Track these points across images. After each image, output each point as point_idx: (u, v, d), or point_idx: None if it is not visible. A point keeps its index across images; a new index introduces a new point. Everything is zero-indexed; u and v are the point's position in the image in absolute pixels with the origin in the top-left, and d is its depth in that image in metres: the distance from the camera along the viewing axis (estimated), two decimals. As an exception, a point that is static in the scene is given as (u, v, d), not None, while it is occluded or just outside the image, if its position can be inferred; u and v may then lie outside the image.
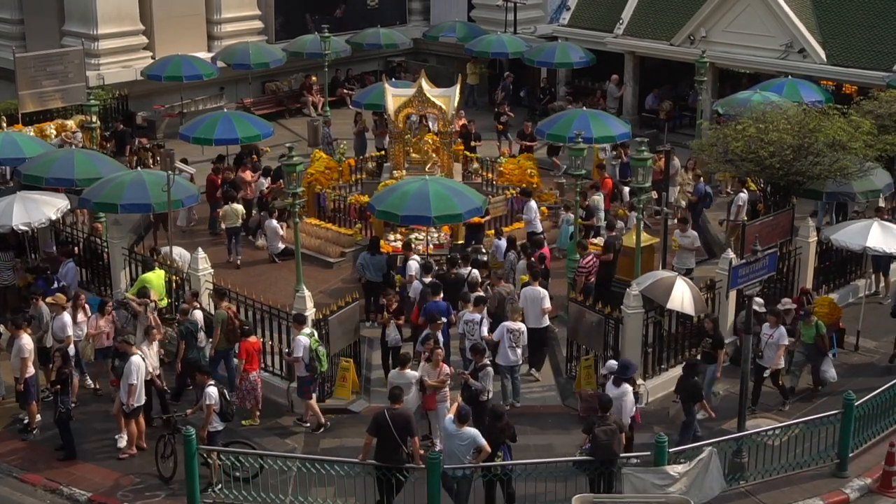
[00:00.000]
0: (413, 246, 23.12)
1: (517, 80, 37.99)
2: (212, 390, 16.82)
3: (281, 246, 25.20)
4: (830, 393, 19.56)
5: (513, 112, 34.26)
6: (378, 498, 15.91)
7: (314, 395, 18.62)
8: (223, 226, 26.09)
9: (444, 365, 17.85)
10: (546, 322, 20.30)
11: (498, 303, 20.25)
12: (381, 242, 23.33)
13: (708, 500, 16.20)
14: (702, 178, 26.88)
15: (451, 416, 15.93)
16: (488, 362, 18.14)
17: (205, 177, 27.72)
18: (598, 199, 25.86)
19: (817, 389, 19.85)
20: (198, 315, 19.28)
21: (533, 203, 24.88)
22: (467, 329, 19.23)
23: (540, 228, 24.73)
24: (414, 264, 21.60)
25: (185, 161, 29.69)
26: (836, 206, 26.00)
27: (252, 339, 18.69)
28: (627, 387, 17.13)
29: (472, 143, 30.41)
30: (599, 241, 23.96)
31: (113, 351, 18.60)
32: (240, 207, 25.83)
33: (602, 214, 25.67)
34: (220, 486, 16.54)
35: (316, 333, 18.69)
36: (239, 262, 25.51)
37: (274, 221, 25.37)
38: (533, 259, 21.78)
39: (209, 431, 16.80)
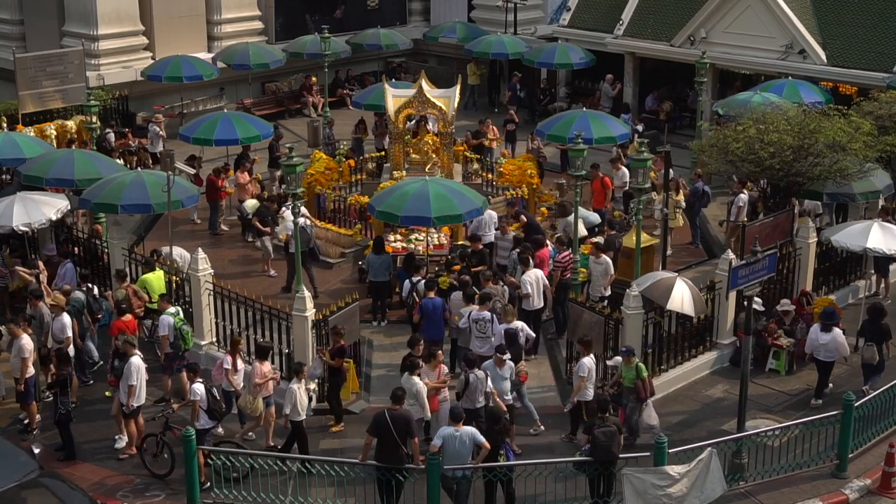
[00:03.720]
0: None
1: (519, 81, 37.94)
2: (198, 387, 16.73)
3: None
4: (830, 394, 19.53)
5: (518, 113, 34.02)
6: (379, 500, 15.90)
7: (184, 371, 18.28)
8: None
9: (443, 366, 17.85)
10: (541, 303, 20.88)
11: None
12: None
13: (709, 502, 16.20)
14: (701, 178, 26.85)
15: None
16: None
17: (205, 177, 27.67)
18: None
19: (632, 439, 17.63)
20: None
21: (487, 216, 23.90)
22: (477, 328, 19.11)
23: (491, 240, 23.66)
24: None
25: (193, 157, 29.64)
26: (836, 207, 25.99)
27: (127, 317, 18.91)
28: (837, 329, 19.12)
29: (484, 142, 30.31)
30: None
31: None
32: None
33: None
34: (207, 484, 16.49)
35: (181, 312, 19.05)
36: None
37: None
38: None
39: (196, 429, 16.65)
